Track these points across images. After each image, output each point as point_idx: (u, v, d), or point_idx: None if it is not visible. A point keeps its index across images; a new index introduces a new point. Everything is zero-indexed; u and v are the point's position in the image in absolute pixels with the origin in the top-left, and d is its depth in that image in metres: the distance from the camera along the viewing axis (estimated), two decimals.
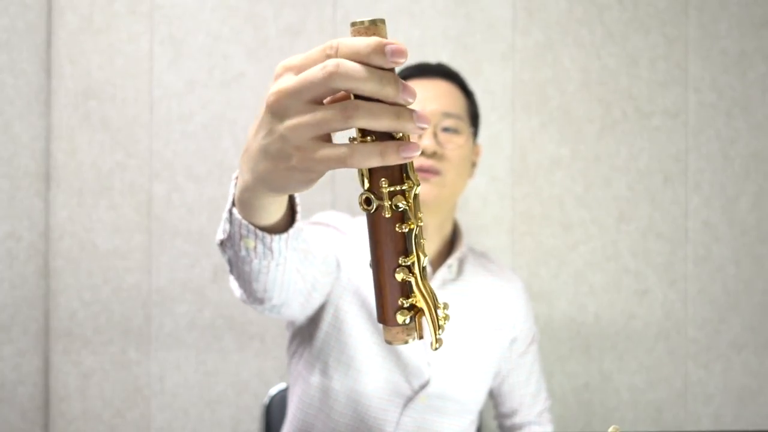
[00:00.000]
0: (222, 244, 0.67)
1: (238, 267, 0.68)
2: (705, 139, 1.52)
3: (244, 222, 0.59)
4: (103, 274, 1.50)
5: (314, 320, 1.04)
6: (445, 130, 1.05)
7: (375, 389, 1.02)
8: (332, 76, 0.40)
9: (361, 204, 0.45)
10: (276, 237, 0.60)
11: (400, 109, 0.42)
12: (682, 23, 1.52)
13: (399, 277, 0.44)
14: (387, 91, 0.41)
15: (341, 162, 0.42)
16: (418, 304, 0.44)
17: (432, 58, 1.32)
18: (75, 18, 1.51)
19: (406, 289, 0.44)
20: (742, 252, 1.52)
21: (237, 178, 0.58)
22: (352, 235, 1.06)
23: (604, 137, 1.52)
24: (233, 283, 0.76)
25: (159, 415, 1.51)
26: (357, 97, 0.42)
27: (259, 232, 0.59)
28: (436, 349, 0.45)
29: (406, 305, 0.44)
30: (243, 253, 0.64)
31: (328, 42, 0.42)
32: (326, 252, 0.94)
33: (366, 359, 1.02)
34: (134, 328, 1.50)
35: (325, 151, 0.42)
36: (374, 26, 0.41)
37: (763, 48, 1.53)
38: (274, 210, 0.56)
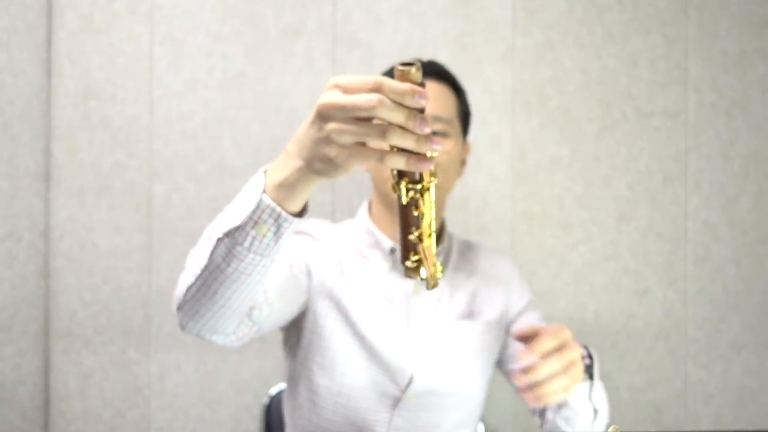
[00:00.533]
0: (219, 240, 0.70)
1: (217, 269, 0.72)
2: (705, 139, 1.52)
3: (272, 204, 0.65)
4: (103, 274, 1.50)
5: (298, 327, 1.05)
6: (434, 134, 1.05)
7: (361, 391, 1.03)
8: (376, 108, 0.57)
9: (391, 188, 0.66)
10: (296, 221, 0.67)
11: (420, 135, 0.59)
12: (682, 23, 1.52)
13: (410, 239, 0.66)
14: (409, 124, 0.58)
15: (380, 160, 0.59)
16: (421, 258, 0.67)
17: (432, 58, 1.32)
18: (75, 18, 1.51)
19: (415, 247, 0.66)
20: (742, 252, 1.52)
21: (266, 171, 0.68)
22: (325, 240, 1.08)
23: (604, 137, 1.52)
24: (180, 294, 0.80)
25: (159, 415, 1.51)
26: None
27: (283, 213, 0.65)
28: (430, 288, 0.68)
29: (413, 258, 0.67)
30: (245, 245, 0.68)
31: (371, 77, 0.58)
32: (295, 270, 0.98)
33: (348, 362, 1.03)
34: (134, 328, 1.50)
35: (366, 152, 0.59)
36: (410, 73, 0.58)
37: (763, 48, 1.53)
38: (307, 194, 0.67)
